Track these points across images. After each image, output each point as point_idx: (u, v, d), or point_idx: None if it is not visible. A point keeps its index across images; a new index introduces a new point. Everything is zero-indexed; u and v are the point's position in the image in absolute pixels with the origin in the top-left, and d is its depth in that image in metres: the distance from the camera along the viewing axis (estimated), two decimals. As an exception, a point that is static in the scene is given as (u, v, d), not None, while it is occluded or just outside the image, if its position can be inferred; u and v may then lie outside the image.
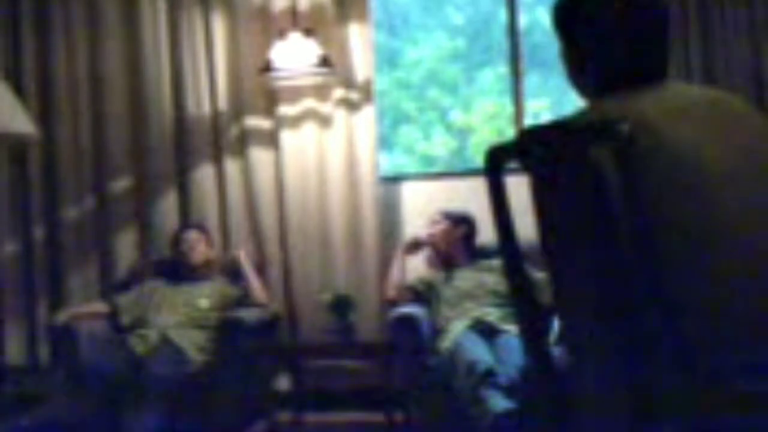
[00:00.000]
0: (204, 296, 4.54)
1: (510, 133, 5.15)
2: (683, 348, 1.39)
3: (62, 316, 4.48)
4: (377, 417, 4.55)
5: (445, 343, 4.13)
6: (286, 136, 5.04)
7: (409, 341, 4.16)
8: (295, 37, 4.82)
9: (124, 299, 4.61)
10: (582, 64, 1.71)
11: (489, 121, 5.90)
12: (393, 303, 4.51)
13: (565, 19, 1.73)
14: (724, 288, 1.42)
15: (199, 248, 4.75)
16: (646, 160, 1.45)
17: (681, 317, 1.40)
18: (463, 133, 6.00)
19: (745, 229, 1.46)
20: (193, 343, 4.31)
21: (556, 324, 3.40)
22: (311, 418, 4.80)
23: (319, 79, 4.92)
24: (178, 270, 4.76)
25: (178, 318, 4.41)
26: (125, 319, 4.52)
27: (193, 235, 4.77)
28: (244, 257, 4.84)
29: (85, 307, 4.71)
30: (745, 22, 4.52)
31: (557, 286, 1.53)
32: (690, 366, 1.38)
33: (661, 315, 1.39)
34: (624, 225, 1.40)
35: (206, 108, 5.11)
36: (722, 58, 4.54)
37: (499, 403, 3.63)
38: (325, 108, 5.03)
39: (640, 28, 1.65)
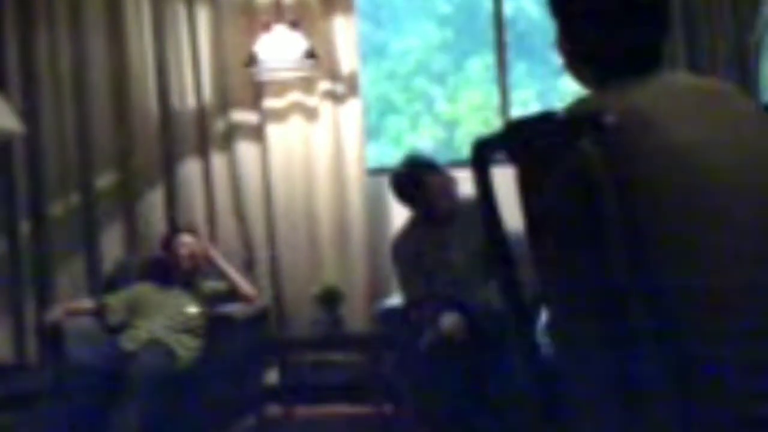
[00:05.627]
0: (193, 302, 4.50)
1: (497, 123, 5.14)
2: (675, 347, 1.39)
3: (54, 313, 4.45)
4: (367, 409, 4.55)
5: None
6: (273, 130, 5.02)
7: (398, 333, 4.14)
8: (280, 30, 4.80)
9: (112, 299, 4.56)
10: (579, 50, 1.69)
11: (476, 111, 5.89)
12: None
13: (559, 3, 1.70)
14: (721, 295, 1.41)
15: (195, 254, 4.68)
16: (640, 152, 1.43)
17: (669, 313, 1.39)
18: (450, 124, 5.99)
19: (742, 225, 1.44)
20: (181, 345, 4.29)
21: (543, 316, 3.40)
22: (300, 411, 4.79)
23: (304, 72, 4.90)
24: (167, 272, 4.68)
25: (167, 322, 4.37)
26: (113, 319, 4.48)
27: (187, 240, 4.68)
28: (215, 253, 4.76)
29: (73, 304, 4.67)
30: (729, 8, 4.54)
31: (545, 278, 1.53)
32: (683, 372, 1.38)
33: (649, 311, 1.38)
34: (613, 218, 1.39)
35: (191, 102, 5.09)
36: (706, 38, 4.56)
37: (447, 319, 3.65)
38: (311, 101, 5.01)
39: (636, 11, 1.63)
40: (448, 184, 3.99)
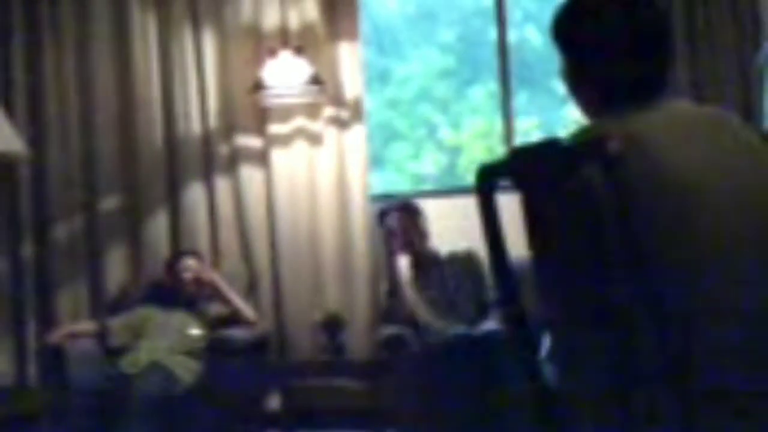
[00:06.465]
0: (196, 325, 4.51)
1: (500, 151, 5.16)
2: (676, 365, 1.39)
3: (54, 336, 4.46)
4: (368, 436, 4.53)
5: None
6: (277, 155, 5.04)
7: (399, 360, 4.14)
8: (286, 56, 4.83)
9: (115, 323, 4.56)
10: (582, 79, 1.71)
11: (479, 139, 5.92)
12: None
13: (563, 33, 1.72)
14: (716, 312, 1.43)
15: (199, 278, 4.68)
16: (637, 176, 1.45)
17: (671, 332, 1.41)
18: (453, 151, 6.01)
19: (739, 254, 1.46)
20: (182, 367, 4.29)
21: (546, 341, 3.39)
22: (301, 437, 4.77)
23: (309, 98, 4.93)
24: (170, 296, 4.69)
25: (169, 344, 4.37)
26: (114, 342, 4.48)
27: (191, 264, 4.71)
28: (219, 279, 4.78)
29: (76, 327, 4.67)
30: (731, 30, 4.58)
31: (548, 302, 1.54)
32: (683, 383, 1.39)
33: (652, 331, 1.39)
34: (616, 245, 1.41)
35: (197, 127, 5.11)
36: (708, 60, 4.59)
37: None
38: (316, 126, 5.03)
39: (640, 42, 1.65)
40: (410, 220, 4.65)
